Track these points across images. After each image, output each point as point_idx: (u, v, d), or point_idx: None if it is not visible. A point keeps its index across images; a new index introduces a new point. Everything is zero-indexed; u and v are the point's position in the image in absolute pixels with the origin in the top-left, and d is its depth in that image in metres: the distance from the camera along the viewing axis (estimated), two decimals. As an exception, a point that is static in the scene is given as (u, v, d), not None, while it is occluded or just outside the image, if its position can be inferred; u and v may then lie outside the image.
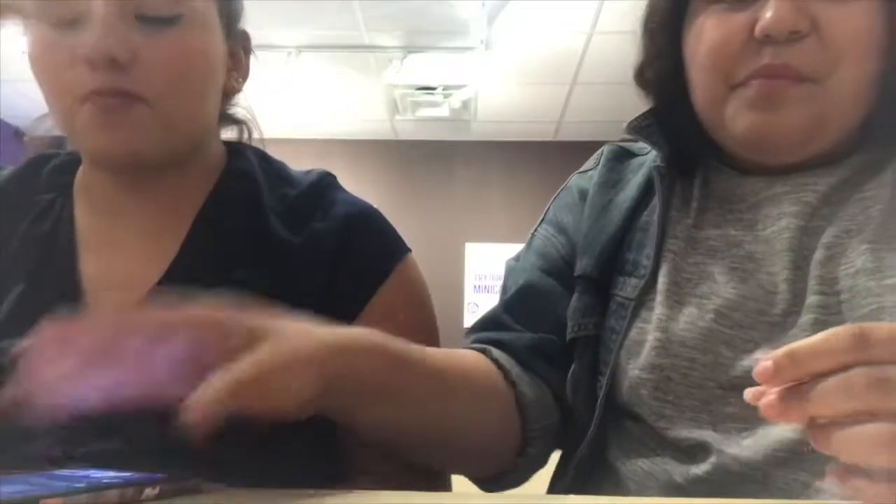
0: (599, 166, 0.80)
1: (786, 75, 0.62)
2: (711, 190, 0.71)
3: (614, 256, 0.72)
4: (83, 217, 0.72)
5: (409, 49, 3.75)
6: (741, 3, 0.64)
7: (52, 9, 0.63)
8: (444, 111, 4.44)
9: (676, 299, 0.66)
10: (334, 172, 0.80)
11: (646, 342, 0.65)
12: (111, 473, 0.46)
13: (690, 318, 0.64)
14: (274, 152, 0.81)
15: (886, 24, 0.62)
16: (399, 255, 0.74)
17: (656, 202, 0.71)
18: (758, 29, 0.61)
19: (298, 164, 0.82)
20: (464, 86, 4.16)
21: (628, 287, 0.70)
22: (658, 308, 0.66)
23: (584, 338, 0.71)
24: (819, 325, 0.59)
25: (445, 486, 0.74)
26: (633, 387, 0.65)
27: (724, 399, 0.61)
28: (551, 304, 0.75)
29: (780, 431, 0.58)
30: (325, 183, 0.77)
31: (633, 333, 0.67)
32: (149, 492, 0.44)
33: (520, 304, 0.76)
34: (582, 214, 0.77)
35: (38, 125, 0.76)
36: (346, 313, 0.69)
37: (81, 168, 0.75)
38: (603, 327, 0.71)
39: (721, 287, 0.64)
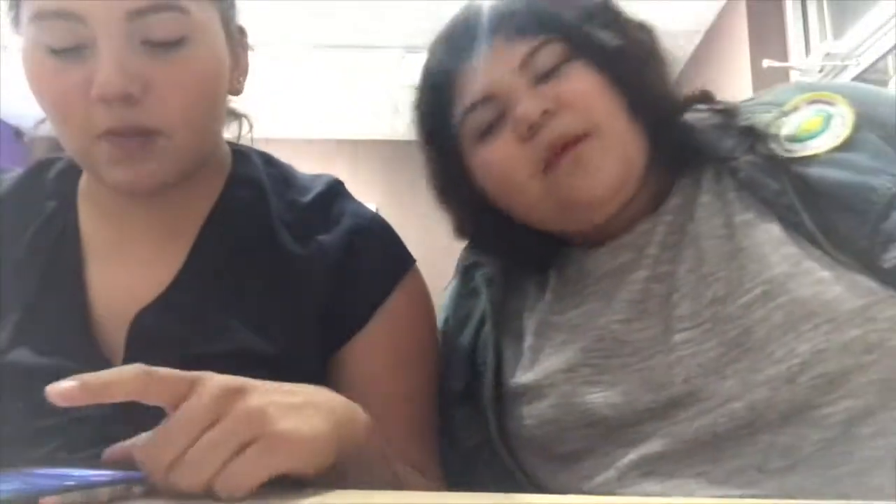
0: (458, 277, 0.84)
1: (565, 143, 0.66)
2: (566, 275, 0.75)
3: (473, 361, 0.75)
4: (88, 225, 0.71)
5: (409, 49, 3.75)
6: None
7: (54, 35, 0.60)
8: (444, 111, 4.43)
9: (548, 382, 0.67)
10: (335, 173, 0.80)
11: (535, 437, 0.67)
12: (97, 472, 0.46)
13: (565, 398, 0.66)
14: (275, 153, 0.81)
15: (612, 87, 0.68)
16: (404, 269, 0.74)
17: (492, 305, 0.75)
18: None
19: (299, 164, 0.82)
20: (464, 86, 4.16)
21: (486, 388, 0.72)
22: (537, 401, 0.68)
23: (475, 447, 0.73)
24: (689, 359, 0.62)
25: None
26: (552, 472, 0.68)
27: (626, 455, 0.63)
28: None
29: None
30: (334, 192, 0.77)
31: (525, 432, 0.68)
32: (136, 489, 0.45)
33: None
34: (445, 338, 0.80)
35: (39, 126, 0.76)
36: (350, 324, 0.70)
37: (85, 175, 0.74)
38: (489, 432, 0.72)
39: (584, 356, 0.67)
